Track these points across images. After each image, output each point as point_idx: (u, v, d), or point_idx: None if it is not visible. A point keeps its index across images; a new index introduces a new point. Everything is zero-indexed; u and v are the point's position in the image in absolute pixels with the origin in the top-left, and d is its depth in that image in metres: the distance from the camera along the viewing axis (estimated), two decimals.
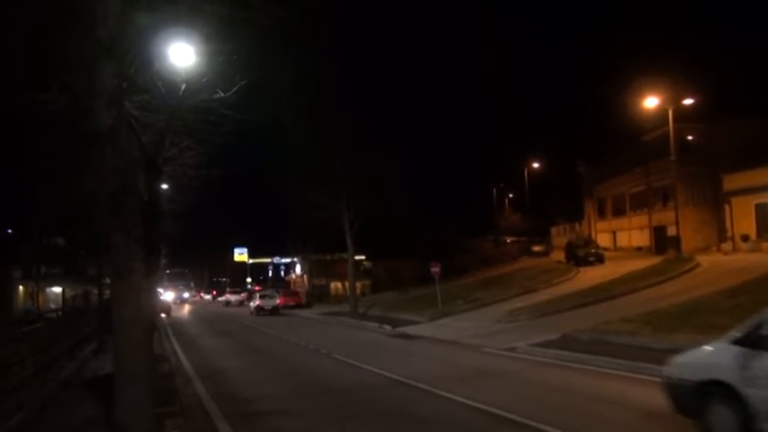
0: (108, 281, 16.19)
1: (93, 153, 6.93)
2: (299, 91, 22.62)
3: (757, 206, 30.56)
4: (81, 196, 16.30)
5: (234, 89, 9.57)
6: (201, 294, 73.83)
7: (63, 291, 49.31)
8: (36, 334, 11.25)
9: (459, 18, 73.27)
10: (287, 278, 77.14)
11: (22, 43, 7.61)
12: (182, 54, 8.52)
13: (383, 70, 50.74)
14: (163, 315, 34.28)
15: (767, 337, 5.62)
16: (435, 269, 24.40)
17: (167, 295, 52.57)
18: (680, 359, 6.83)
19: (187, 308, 55.31)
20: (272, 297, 41.41)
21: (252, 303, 42.55)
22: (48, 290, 52.50)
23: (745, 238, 30.51)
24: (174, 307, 46.81)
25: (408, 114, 62.68)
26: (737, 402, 5.67)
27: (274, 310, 38.60)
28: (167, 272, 60.28)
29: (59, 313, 23.40)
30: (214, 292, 74.35)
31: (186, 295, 70.76)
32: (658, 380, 9.77)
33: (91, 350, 16.06)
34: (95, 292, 21.76)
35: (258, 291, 48.25)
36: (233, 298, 55.36)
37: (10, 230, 56.23)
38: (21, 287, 52.84)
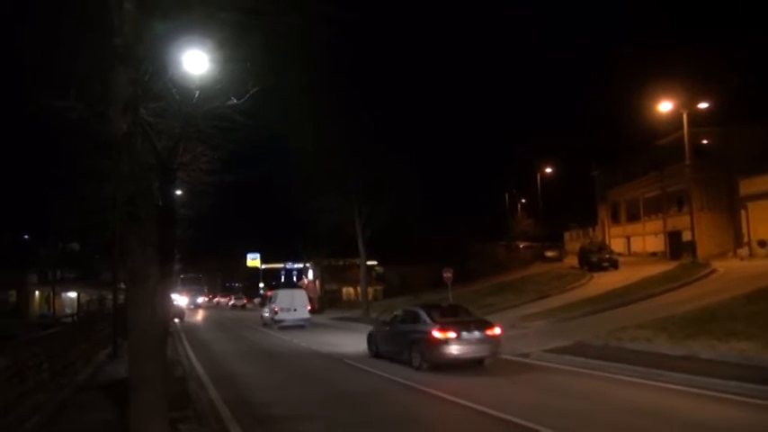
0: (123, 286, 16.38)
1: (109, 159, 7.03)
2: (311, 96, 22.73)
3: None
4: (96, 202, 16.54)
5: (247, 95, 9.66)
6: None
7: (78, 295, 50.07)
8: (52, 338, 11.39)
9: (471, 22, 73.31)
10: (299, 283, 77.34)
11: (41, 52, 7.74)
12: (196, 61, 8.60)
13: (394, 76, 50.82)
14: (176, 320, 34.49)
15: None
16: (448, 274, 24.35)
17: (181, 300, 53.23)
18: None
19: (201, 312, 55.59)
20: (240, 298, 65.54)
21: (230, 302, 66.41)
22: (63, 294, 53.10)
23: (762, 244, 30.11)
24: (187, 312, 47.03)
25: (421, 119, 62.61)
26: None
27: (243, 306, 59.83)
28: (181, 276, 61.14)
29: (75, 318, 23.68)
30: (210, 296, 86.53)
31: (200, 300, 71.46)
32: (675, 387, 9.74)
33: (106, 354, 16.18)
34: (110, 296, 21.95)
35: (234, 294, 72.86)
36: (222, 300, 77.37)
37: (26, 236, 57.01)
38: (37, 292, 53.50)
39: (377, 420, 8.59)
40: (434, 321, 12.84)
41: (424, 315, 13.36)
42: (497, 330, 12.85)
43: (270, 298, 30.15)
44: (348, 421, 8.55)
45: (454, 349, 12.25)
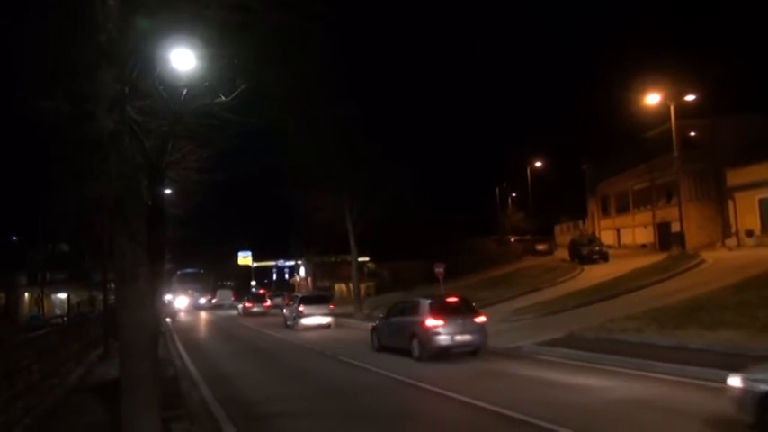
0: (113, 286, 16.27)
1: (97, 159, 6.97)
2: (301, 93, 22.56)
3: (761, 201, 30.45)
4: (85, 202, 16.39)
5: (235, 93, 9.58)
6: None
7: (68, 297, 49.70)
8: (42, 340, 11.28)
9: (460, 17, 73.35)
10: (291, 281, 77.17)
11: (26, 51, 7.65)
12: (183, 59, 8.51)
13: (385, 71, 50.69)
14: (168, 319, 34.33)
15: None
16: (440, 269, 24.36)
17: (180, 302, 51.86)
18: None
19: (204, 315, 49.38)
20: (211, 297, 74.71)
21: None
22: (53, 296, 52.67)
23: (750, 234, 30.41)
24: (182, 315, 46.28)
25: (411, 115, 62.62)
26: None
27: (208, 301, 65.51)
28: (179, 273, 59.80)
29: (65, 319, 23.52)
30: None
31: (202, 301, 62.71)
32: (666, 377, 9.81)
33: (97, 355, 16.09)
34: (100, 297, 21.81)
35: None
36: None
37: (15, 237, 56.41)
38: (26, 294, 52.99)
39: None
40: (247, 300, 43.50)
41: (244, 299, 43.88)
42: (268, 303, 42.51)
43: (216, 294, 65.57)
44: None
45: (254, 309, 40.53)
